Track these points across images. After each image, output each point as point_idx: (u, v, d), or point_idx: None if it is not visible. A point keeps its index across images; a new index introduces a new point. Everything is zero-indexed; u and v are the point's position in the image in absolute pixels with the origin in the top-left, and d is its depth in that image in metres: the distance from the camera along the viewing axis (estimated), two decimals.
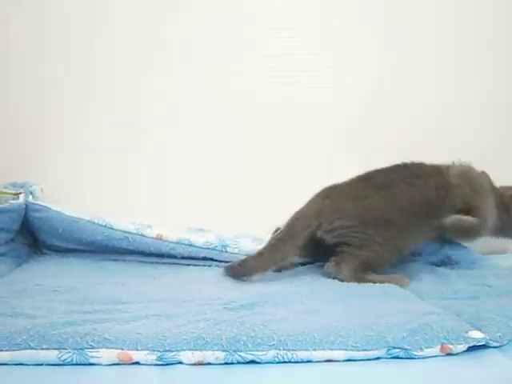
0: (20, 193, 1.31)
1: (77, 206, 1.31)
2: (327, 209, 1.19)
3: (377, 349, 0.84)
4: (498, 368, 0.83)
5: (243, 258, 1.18)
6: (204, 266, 1.27)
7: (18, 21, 1.44)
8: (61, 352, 0.80)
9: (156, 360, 0.81)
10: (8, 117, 1.46)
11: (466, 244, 1.29)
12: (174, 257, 1.27)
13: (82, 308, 0.94)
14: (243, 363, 0.82)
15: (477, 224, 1.21)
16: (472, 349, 0.86)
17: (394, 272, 1.17)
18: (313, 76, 1.50)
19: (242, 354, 0.81)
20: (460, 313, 0.95)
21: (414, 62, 1.52)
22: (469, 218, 1.20)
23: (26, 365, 0.80)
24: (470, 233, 1.23)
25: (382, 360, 0.84)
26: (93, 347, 0.80)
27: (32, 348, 0.80)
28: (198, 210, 1.44)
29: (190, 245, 1.27)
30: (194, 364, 0.81)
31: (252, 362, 0.82)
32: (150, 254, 1.27)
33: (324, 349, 0.83)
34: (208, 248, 1.28)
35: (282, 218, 1.22)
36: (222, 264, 1.24)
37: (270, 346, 0.82)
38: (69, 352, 0.80)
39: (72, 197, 1.41)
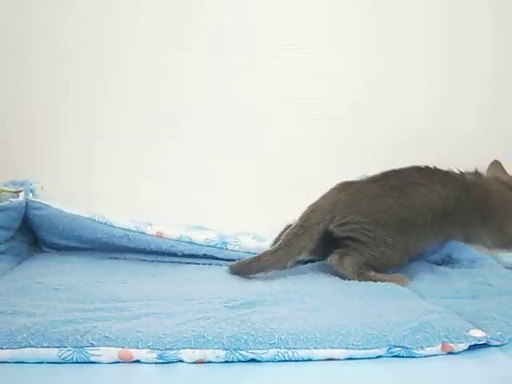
0: (20, 191, 1.30)
1: (83, 206, 1.31)
2: (342, 203, 1.17)
3: (378, 347, 0.84)
4: (498, 367, 0.83)
5: (256, 255, 1.16)
6: (205, 264, 1.27)
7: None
8: (61, 350, 0.80)
9: (156, 358, 0.80)
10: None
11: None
12: (175, 254, 1.27)
13: (82, 306, 0.93)
14: (244, 361, 0.81)
15: None
16: (473, 347, 0.86)
17: (394, 271, 1.17)
18: (313, 76, 1.49)
19: (242, 352, 0.81)
20: (461, 312, 0.95)
21: (415, 62, 1.52)
22: None
23: (27, 363, 0.80)
24: None
25: (382, 359, 0.84)
26: (93, 345, 0.80)
27: (32, 346, 0.79)
28: (199, 209, 1.44)
29: (191, 242, 1.27)
30: (195, 362, 0.81)
31: (253, 360, 0.81)
32: (151, 252, 1.27)
33: (325, 347, 0.82)
34: (208, 245, 1.27)
35: (282, 218, 1.21)
36: (223, 262, 1.24)
37: (270, 344, 0.82)
38: (69, 350, 0.80)
39: (81, 196, 1.43)
